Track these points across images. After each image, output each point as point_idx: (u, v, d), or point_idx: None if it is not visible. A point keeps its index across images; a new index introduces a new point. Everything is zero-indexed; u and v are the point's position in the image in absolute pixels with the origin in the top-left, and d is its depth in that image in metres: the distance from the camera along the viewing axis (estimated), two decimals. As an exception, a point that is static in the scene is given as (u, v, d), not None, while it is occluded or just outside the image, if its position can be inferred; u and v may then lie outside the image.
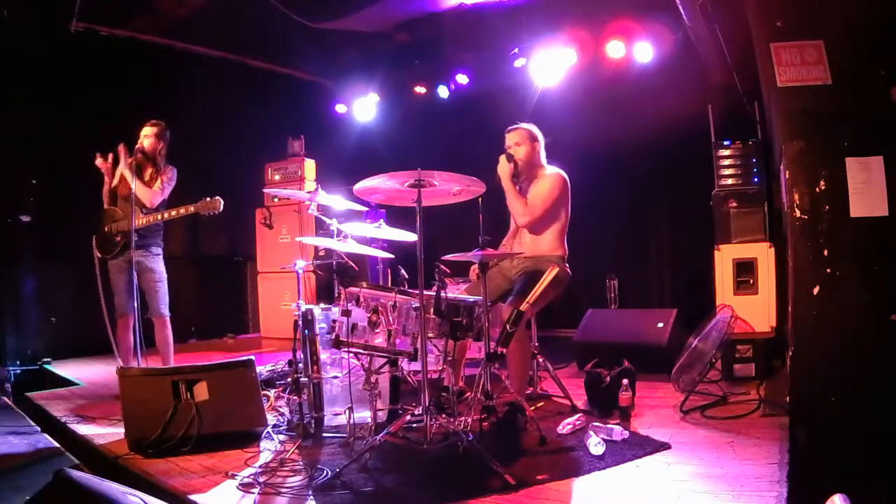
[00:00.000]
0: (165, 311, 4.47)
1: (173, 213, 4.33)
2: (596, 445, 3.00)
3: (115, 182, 4.55)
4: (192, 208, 4.26)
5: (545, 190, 3.83)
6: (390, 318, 3.09)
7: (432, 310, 3.04)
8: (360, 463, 2.89)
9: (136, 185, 4.25)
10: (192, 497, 2.64)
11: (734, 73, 4.89)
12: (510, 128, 4.03)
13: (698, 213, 5.49)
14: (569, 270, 3.78)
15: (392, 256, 4.44)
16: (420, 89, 7.44)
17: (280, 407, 3.99)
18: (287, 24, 5.89)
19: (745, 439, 3.13)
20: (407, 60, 7.32)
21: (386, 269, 6.57)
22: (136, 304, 4.21)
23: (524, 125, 4.02)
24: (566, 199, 3.89)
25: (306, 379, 3.50)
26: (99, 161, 4.56)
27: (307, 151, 7.36)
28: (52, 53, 5.89)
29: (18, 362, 5.77)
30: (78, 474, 1.81)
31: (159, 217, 4.36)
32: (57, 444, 3.55)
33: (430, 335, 3.10)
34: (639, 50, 5.83)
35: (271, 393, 4.18)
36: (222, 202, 4.24)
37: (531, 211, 3.79)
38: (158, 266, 4.47)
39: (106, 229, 4.47)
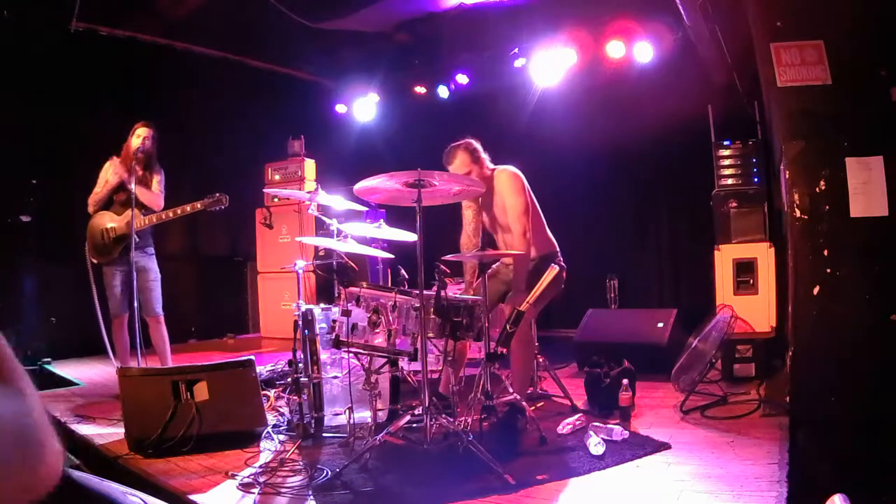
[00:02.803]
0: (160, 309, 4.50)
1: (178, 211, 4.34)
2: (596, 445, 3.00)
3: (110, 186, 4.48)
4: (199, 205, 4.29)
5: (513, 205, 3.57)
6: (390, 318, 3.09)
7: (432, 310, 3.04)
8: (360, 463, 2.89)
9: (140, 190, 4.29)
10: (192, 497, 2.64)
11: (734, 73, 4.89)
12: (448, 162, 3.64)
13: (698, 213, 5.50)
14: (563, 264, 3.67)
15: (392, 256, 4.44)
16: (420, 89, 7.44)
17: (280, 407, 3.99)
18: (287, 24, 5.89)
19: (745, 439, 3.13)
20: (407, 60, 7.32)
21: (386, 269, 6.57)
22: (135, 305, 4.23)
23: (456, 154, 3.65)
24: (529, 194, 3.68)
25: (306, 379, 3.50)
26: (119, 167, 4.42)
27: (307, 151, 7.36)
28: (52, 53, 5.89)
29: (18, 362, 5.77)
30: (78, 474, 1.80)
31: (163, 216, 4.36)
32: (57, 444, 3.54)
33: (430, 335, 3.10)
34: (639, 50, 5.82)
35: (271, 393, 4.17)
36: (227, 197, 4.28)
37: (522, 234, 3.52)
38: (154, 265, 4.51)
39: (102, 235, 4.42)
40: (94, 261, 4.45)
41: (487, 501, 2.50)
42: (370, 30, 6.63)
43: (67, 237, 6.01)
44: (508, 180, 3.64)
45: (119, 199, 4.45)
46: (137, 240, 4.23)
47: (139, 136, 4.39)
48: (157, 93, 6.35)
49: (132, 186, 4.25)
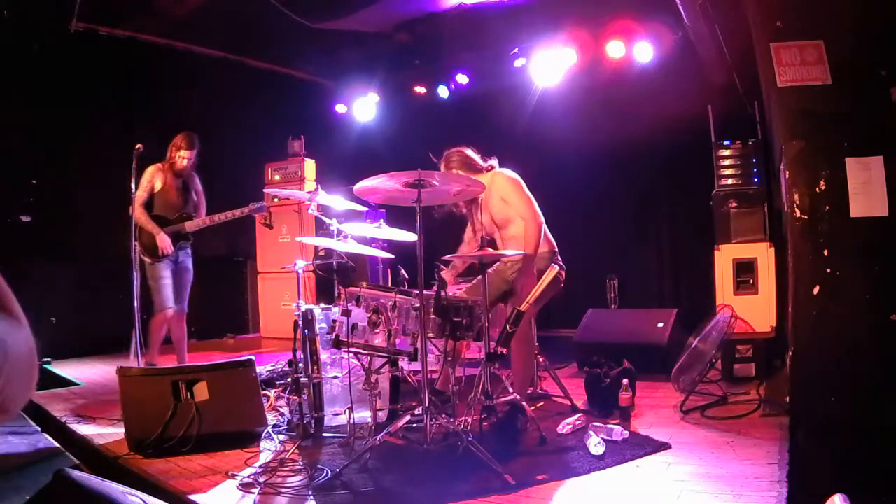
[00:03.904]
0: (186, 306, 4.81)
1: (229, 215, 4.63)
2: (596, 445, 3.00)
3: (158, 188, 4.66)
4: (246, 210, 4.59)
5: (521, 206, 3.63)
6: (390, 318, 3.09)
7: (432, 310, 3.04)
8: (360, 463, 2.89)
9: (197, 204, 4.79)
10: (192, 497, 2.64)
11: (734, 73, 4.89)
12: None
13: (698, 213, 5.50)
14: (562, 264, 3.69)
15: (392, 256, 4.44)
16: (420, 89, 7.43)
17: (280, 407, 3.99)
18: (287, 24, 5.89)
19: (745, 439, 3.13)
20: (407, 60, 7.32)
21: (386, 269, 6.56)
22: (135, 304, 4.23)
23: (440, 166, 3.75)
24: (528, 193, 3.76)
25: (306, 379, 3.50)
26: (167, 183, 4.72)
27: (307, 151, 7.35)
28: (52, 53, 5.89)
29: (18, 362, 5.77)
30: (78, 474, 1.80)
31: (215, 219, 4.67)
32: (57, 444, 3.55)
33: (430, 335, 3.10)
34: (639, 50, 5.82)
35: (271, 393, 4.18)
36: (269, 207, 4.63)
37: (535, 225, 3.57)
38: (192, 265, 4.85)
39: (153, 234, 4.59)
40: (148, 260, 4.60)
41: (487, 501, 2.50)
42: (370, 30, 6.63)
43: (67, 237, 6.02)
44: (508, 183, 3.68)
45: (168, 199, 4.70)
46: (190, 240, 4.75)
47: (183, 158, 4.68)
48: (157, 93, 6.35)
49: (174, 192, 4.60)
